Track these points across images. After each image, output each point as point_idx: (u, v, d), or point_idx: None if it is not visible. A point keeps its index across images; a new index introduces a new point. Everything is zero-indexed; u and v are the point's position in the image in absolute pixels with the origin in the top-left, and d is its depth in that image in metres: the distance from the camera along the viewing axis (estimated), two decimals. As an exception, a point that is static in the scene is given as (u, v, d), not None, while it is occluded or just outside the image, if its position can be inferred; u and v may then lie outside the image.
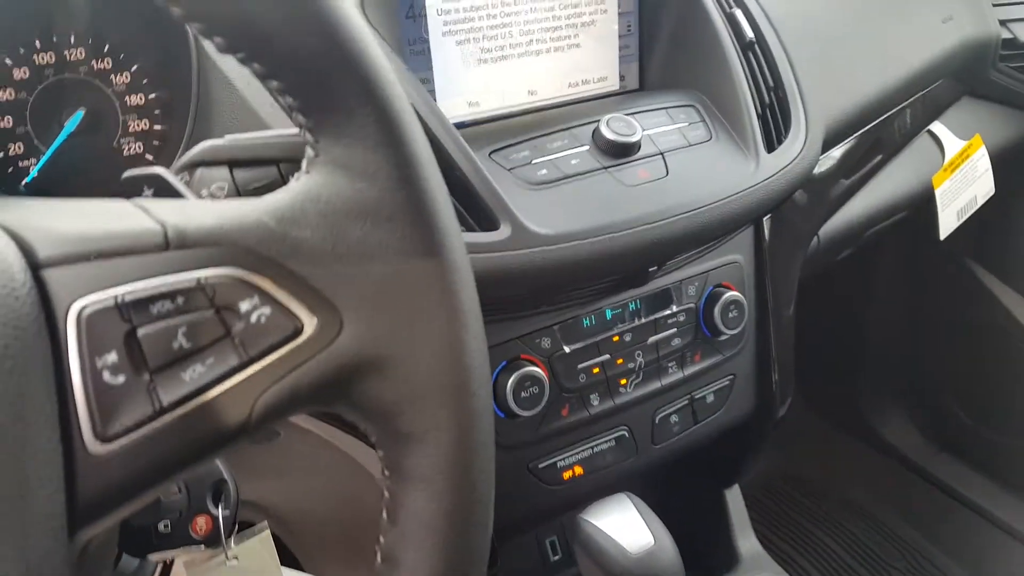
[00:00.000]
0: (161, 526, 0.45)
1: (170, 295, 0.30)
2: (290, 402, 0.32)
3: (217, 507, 0.46)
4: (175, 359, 0.30)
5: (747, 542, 0.89)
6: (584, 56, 0.77)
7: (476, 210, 0.60)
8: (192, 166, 0.39)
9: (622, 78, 0.80)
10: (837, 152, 0.93)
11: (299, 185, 0.33)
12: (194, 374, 0.30)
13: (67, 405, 0.28)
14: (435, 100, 0.69)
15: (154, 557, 0.45)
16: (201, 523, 0.45)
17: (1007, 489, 1.50)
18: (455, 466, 0.34)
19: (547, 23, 0.74)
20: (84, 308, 0.29)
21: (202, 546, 0.45)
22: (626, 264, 0.66)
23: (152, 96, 0.60)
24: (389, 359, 0.33)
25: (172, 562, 0.50)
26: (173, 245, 0.30)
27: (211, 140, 0.40)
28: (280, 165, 0.38)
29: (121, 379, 0.29)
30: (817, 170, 0.90)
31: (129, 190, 0.34)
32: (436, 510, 0.34)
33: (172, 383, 0.30)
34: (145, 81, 0.60)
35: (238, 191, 0.38)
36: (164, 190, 0.35)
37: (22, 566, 0.27)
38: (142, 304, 0.29)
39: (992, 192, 1.18)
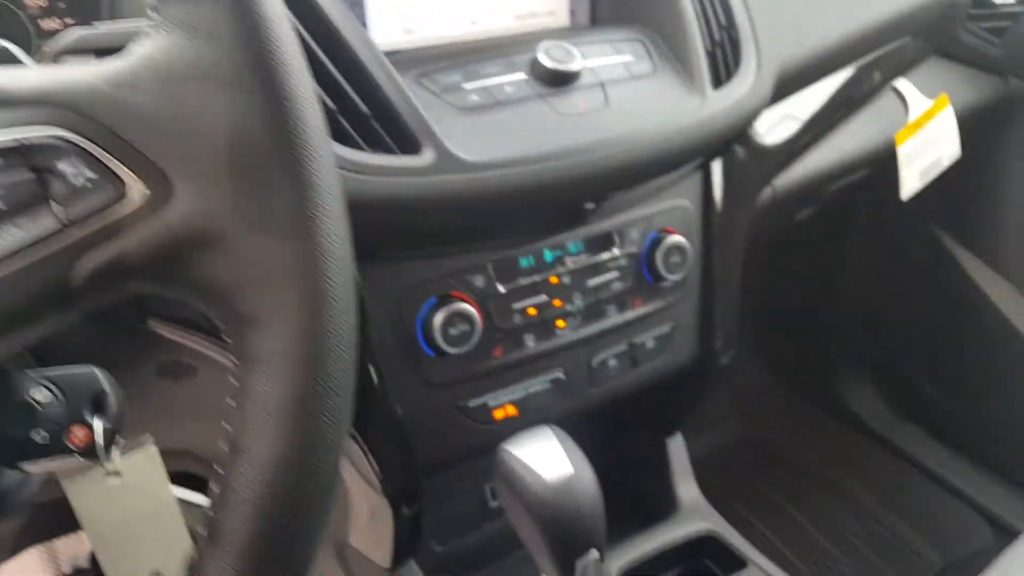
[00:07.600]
0: (38, 437, 0.43)
1: None
2: (117, 271, 0.30)
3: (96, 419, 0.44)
4: None
5: (688, 490, 0.87)
6: (532, -12, 0.74)
7: (397, 132, 0.57)
8: (60, 55, 0.37)
9: (572, 13, 0.77)
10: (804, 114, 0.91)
11: (140, 49, 0.31)
12: (9, 236, 0.28)
13: None
14: (366, 25, 0.66)
15: (29, 467, 0.43)
16: (80, 434, 0.43)
17: (967, 460, 1.50)
18: (304, 351, 0.32)
19: (491, -50, 0.71)
20: None
21: (79, 457, 0.43)
22: (558, 196, 0.64)
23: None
24: (225, 234, 0.31)
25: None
26: None
27: (81, 29, 0.38)
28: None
29: None
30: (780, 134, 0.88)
31: None
32: (281, 395, 0.32)
33: None
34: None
35: None
36: (9, 61, 0.32)
37: None
38: None
39: (958, 155, 1.15)
